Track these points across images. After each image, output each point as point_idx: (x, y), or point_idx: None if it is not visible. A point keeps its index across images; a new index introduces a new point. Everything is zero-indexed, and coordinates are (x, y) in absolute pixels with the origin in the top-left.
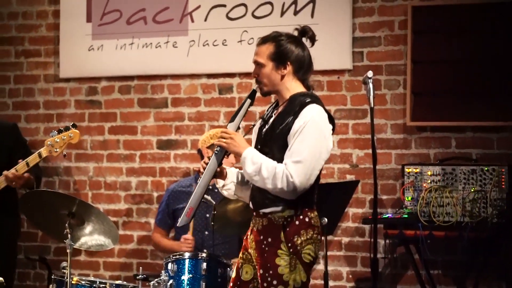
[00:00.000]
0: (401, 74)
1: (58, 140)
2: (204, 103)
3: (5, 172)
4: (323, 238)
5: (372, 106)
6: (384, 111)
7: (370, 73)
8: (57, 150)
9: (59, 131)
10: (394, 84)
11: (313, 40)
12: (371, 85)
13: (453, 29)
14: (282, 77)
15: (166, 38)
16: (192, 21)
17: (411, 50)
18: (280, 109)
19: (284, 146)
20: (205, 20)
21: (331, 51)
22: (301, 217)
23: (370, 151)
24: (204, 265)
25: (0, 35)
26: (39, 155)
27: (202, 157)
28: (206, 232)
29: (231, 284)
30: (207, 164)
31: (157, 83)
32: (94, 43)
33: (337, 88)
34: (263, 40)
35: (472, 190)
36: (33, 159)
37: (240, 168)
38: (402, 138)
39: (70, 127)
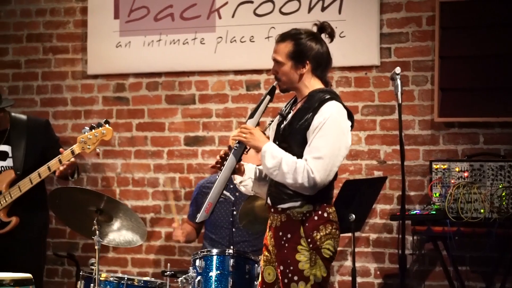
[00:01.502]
0: (429, 70)
1: (91, 137)
2: (232, 100)
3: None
4: (350, 234)
5: (400, 102)
6: (412, 107)
7: (398, 69)
8: (90, 147)
9: (91, 128)
10: (421, 80)
11: (332, 36)
12: (399, 81)
13: (480, 25)
14: (301, 75)
15: (194, 35)
16: (220, 17)
17: (438, 46)
18: (298, 105)
19: (303, 142)
20: (233, 16)
21: (358, 47)
22: (319, 212)
23: (397, 147)
24: (232, 261)
25: (28, 31)
26: (72, 152)
27: None
28: (234, 229)
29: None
30: (223, 155)
31: (184, 79)
32: (121, 39)
33: (365, 84)
34: (282, 38)
35: (500, 186)
36: (65, 156)
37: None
38: (430, 134)
39: (103, 123)
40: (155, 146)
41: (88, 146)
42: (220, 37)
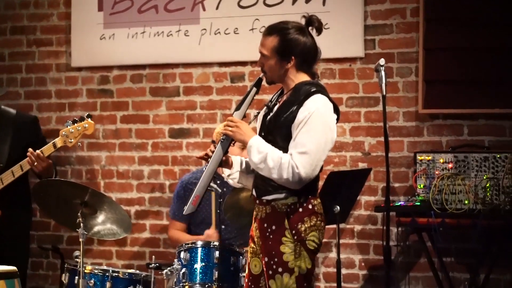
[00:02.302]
0: (413, 61)
1: (73, 130)
2: (216, 92)
3: (30, 150)
4: (335, 226)
5: (384, 94)
6: (396, 98)
7: (382, 61)
8: (72, 140)
9: (74, 121)
10: (406, 72)
11: (319, 30)
12: (383, 73)
13: (465, 17)
14: (286, 70)
15: (178, 27)
16: (204, 9)
17: (423, 37)
18: (284, 97)
19: (287, 135)
20: (217, 8)
21: (343, 39)
22: (304, 204)
23: (382, 139)
24: (217, 253)
25: (12, 24)
26: (54, 145)
27: None
28: (223, 226)
29: (246, 280)
30: (213, 151)
31: (169, 71)
32: (105, 32)
33: (349, 76)
34: (269, 31)
35: (485, 178)
36: (47, 149)
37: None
38: (414, 125)
39: (85, 117)
40: (140, 138)
41: (70, 140)
42: (204, 29)
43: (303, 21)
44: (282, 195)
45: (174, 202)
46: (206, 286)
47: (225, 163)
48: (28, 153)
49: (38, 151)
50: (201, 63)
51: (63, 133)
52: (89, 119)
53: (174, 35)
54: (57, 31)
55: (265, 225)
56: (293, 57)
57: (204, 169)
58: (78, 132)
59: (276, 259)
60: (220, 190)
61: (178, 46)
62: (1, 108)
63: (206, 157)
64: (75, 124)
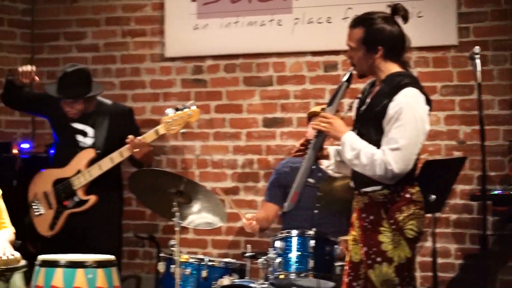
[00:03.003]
0: (508, 49)
1: (176, 118)
2: (309, 81)
3: (130, 136)
4: (430, 215)
5: (479, 82)
6: (491, 86)
7: (477, 49)
8: (175, 128)
9: (177, 109)
10: (501, 60)
11: (406, 18)
12: (478, 61)
13: None
14: (374, 60)
15: (271, 16)
16: None
17: None
18: (376, 89)
19: (379, 128)
20: None
21: (436, 27)
22: (401, 193)
23: (476, 127)
24: (312, 242)
25: (106, 15)
26: (156, 132)
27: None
28: (316, 211)
29: (346, 267)
30: (302, 145)
31: (262, 61)
32: (199, 22)
33: (443, 65)
34: (354, 23)
35: None
36: (149, 135)
37: None
38: (510, 113)
39: (189, 105)
40: (234, 128)
41: (173, 127)
42: (297, 18)
43: (388, 11)
44: (379, 187)
45: (268, 188)
46: (302, 275)
47: (322, 156)
48: (129, 140)
49: (140, 137)
50: (294, 53)
51: (166, 120)
52: (194, 107)
53: (267, 25)
54: (151, 21)
55: (364, 215)
56: (380, 47)
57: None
58: (182, 120)
59: (374, 249)
60: (318, 185)
61: (271, 36)
62: (98, 99)
63: (302, 153)
64: (179, 111)
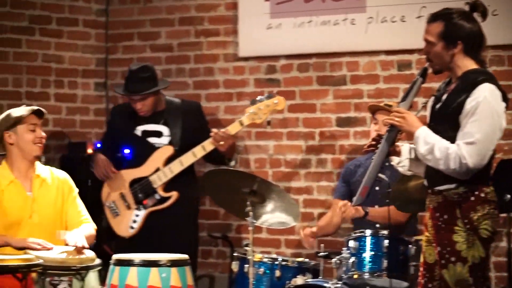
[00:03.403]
0: None
1: (262, 107)
2: (383, 80)
3: (214, 130)
4: (505, 215)
5: None
6: None
7: None
8: (261, 117)
9: (260, 100)
10: None
11: (485, 15)
12: None
13: None
14: (453, 56)
15: (344, 16)
16: None
17: None
18: (452, 86)
19: (456, 125)
20: None
21: (511, 26)
22: (476, 192)
23: None
24: (386, 242)
25: (180, 15)
26: (241, 123)
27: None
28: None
29: (421, 268)
30: (374, 140)
31: (335, 60)
32: (272, 21)
33: None
34: (433, 18)
35: None
36: (233, 127)
37: None
38: None
39: (272, 95)
40: (307, 127)
41: (259, 117)
42: (371, 18)
43: (467, 8)
44: (453, 185)
45: (338, 184)
46: (376, 275)
47: (393, 152)
48: (213, 133)
49: (223, 129)
50: (367, 52)
51: (251, 110)
52: (277, 96)
53: (340, 24)
54: (225, 21)
55: (437, 214)
56: (459, 42)
57: (371, 160)
58: (269, 109)
59: (448, 249)
60: (388, 180)
61: (345, 35)
62: (167, 98)
63: (374, 148)
64: (263, 101)
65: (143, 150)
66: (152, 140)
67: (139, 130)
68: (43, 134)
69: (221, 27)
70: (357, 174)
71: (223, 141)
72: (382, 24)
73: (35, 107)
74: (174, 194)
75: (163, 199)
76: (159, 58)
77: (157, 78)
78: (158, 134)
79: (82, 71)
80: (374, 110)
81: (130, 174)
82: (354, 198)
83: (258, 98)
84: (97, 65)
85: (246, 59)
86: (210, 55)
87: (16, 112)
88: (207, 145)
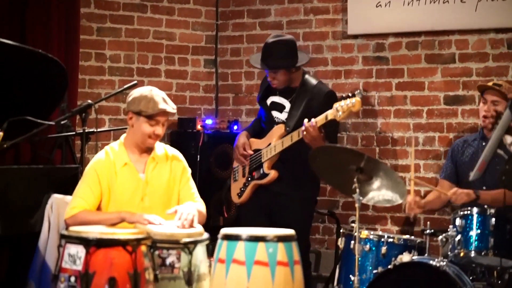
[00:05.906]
0: None
1: (343, 104)
2: (492, 58)
3: (306, 120)
4: None
5: None
6: None
7: None
8: (341, 114)
9: (347, 96)
10: None
11: None
12: None
13: None
14: None
15: None
16: None
17: None
18: None
19: None
20: None
21: None
22: None
23: None
24: (493, 221)
25: None
26: (326, 116)
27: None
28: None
29: None
30: (492, 116)
31: (444, 38)
32: None
33: None
34: None
35: None
36: (320, 119)
37: None
38: None
39: (356, 93)
40: (415, 105)
41: (339, 114)
42: None
43: None
44: None
45: (445, 164)
46: (482, 253)
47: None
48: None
49: (313, 120)
50: (477, 30)
51: (336, 105)
52: (358, 97)
53: (450, 2)
54: None
55: None
56: None
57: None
58: (347, 107)
59: None
60: (506, 157)
61: (454, 13)
62: (305, 77)
63: (491, 123)
64: (347, 98)
65: (267, 122)
66: (274, 113)
67: (270, 100)
68: (161, 132)
69: (330, 5)
70: (465, 154)
71: (306, 132)
72: (492, 2)
73: (165, 108)
74: (272, 173)
75: (264, 175)
76: (268, 35)
77: (292, 54)
78: (281, 108)
79: (192, 48)
80: (483, 89)
81: (254, 143)
82: (471, 173)
83: (357, 91)
84: (207, 42)
85: (355, 36)
86: (319, 33)
87: (147, 104)
88: (295, 135)
